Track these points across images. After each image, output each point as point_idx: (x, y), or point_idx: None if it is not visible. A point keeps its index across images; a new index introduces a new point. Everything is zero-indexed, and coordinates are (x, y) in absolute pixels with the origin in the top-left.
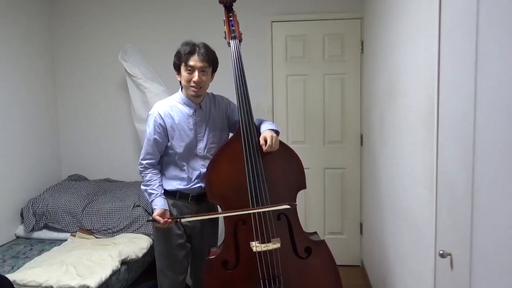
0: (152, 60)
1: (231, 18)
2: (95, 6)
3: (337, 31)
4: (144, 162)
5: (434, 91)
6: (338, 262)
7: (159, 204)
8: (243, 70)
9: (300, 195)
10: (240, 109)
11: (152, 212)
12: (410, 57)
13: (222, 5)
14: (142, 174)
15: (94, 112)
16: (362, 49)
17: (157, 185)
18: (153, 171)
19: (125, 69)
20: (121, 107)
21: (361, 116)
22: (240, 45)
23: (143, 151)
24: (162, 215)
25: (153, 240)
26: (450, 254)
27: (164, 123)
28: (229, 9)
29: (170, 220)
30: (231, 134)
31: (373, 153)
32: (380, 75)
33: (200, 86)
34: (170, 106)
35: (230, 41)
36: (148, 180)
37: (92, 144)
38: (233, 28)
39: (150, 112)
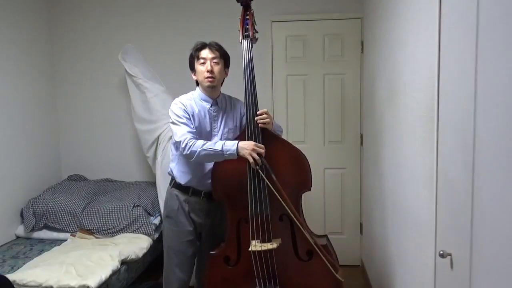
0: (152, 60)
1: (247, 17)
2: (95, 6)
3: (337, 31)
4: (186, 138)
5: (434, 91)
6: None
7: (233, 142)
8: (253, 70)
9: None
10: (247, 109)
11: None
12: (410, 57)
13: (239, 3)
14: (190, 143)
15: (94, 112)
16: (362, 49)
17: (211, 141)
18: (199, 139)
19: (125, 69)
20: (121, 107)
21: (361, 116)
22: (252, 45)
23: (178, 134)
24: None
25: (163, 236)
26: (450, 254)
27: (188, 110)
28: (246, 7)
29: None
30: None
31: (373, 153)
32: (380, 75)
33: (213, 75)
34: (189, 100)
35: (243, 40)
36: (203, 143)
37: (92, 144)
38: (247, 27)
39: (173, 103)
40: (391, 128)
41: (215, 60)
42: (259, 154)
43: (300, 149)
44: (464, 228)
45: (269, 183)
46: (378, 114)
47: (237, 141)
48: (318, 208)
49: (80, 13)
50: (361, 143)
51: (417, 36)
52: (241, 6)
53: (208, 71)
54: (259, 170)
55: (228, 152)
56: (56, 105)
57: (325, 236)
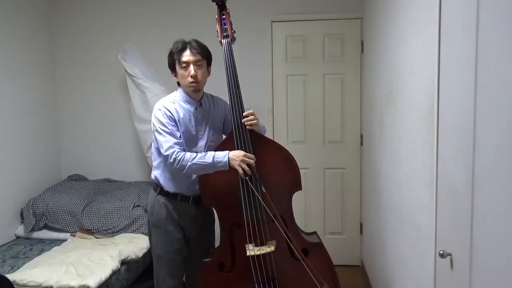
0: (152, 60)
1: (224, 17)
2: (95, 6)
3: (337, 31)
4: (174, 152)
5: (434, 91)
6: (338, 262)
7: (224, 153)
8: (235, 69)
9: (300, 195)
10: (232, 109)
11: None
12: (410, 57)
13: (214, 3)
14: (179, 157)
15: (94, 112)
16: (362, 49)
17: (200, 154)
18: (187, 151)
19: (125, 69)
20: (121, 107)
21: (361, 116)
22: (232, 44)
23: (165, 146)
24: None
25: (151, 245)
26: (450, 254)
27: (173, 116)
28: (221, 7)
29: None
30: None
31: (373, 153)
32: (380, 75)
33: (197, 80)
34: (173, 103)
35: (222, 40)
36: (193, 156)
37: (92, 144)
38: (225, 27)
39: (157, 109)
40: (391, 128)
41: (198, 63)
42: (249, 164)
43: (300, 149)
44: (464, 228)
45: (257, 195)
46: (378, 114)
47: (227, 152)
48: (318, 208)
49: (80, 13)
50: (361, 143)
51: (417, 36)
52: (216, 6)
53: (191, 76)
54: (249, 181)
55: (219, 164)
56: (56, 105)
57: (314, 233)
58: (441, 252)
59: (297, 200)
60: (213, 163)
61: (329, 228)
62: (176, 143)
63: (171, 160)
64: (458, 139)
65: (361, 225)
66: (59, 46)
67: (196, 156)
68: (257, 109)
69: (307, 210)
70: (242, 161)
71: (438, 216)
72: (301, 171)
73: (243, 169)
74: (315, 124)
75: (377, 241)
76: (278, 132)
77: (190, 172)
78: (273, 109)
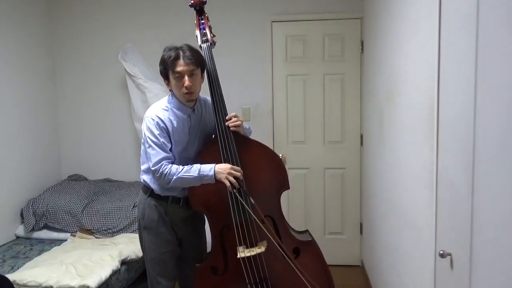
0: (152, 60)
1: (203, 22)
2: (95, 6)
3: (337, 31)
4: (161, 166)
5: (434, 91)
6: (338, 262)
7: (210, 166)
8: (216, 73)
9: (300, 195)
10: (215, 113)
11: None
12: (410, 57)
13: (192, 8)
14: (165, 172)
15: (94, 112)
16: (362, 49)
17: (186, 166)
18: (174, 164)
19: (125, 69)
20: (121, 107)
21: (361, 116)
22: (212, 48)
23: (153, 160)
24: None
25: (143, 248)
26: (450, 254)
27: (167, 127)
28: (200, 12)
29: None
30: None
31: (373, 153)
32: (380, 75)
33: (192, 90)
34: (166, 110)
35: (202, 45)
36: (178, 169)
37: (92, 144)
38: (204, 31)
39: (150, 118)
40: (391, 128)
41: (192, 73)
42: (236, 177)
43: (300, 149)
44: (464, 228)
45: (247, 208)
46: (378, 114)
47: (213, 165)
48: (318, 208)
49: (80, 13)
50: (361, 143)
51: (417, 36)
52: (194, 11)
53: (186, 87)
54: (237, 194)
55: (205, 178)
56: (56, 105)
57: (306, 231)
58: (441, 252)
59: (297, 200)
60: (199, 177)
61: (329, 228)
62: (165, 158)
63: (157, 175)
64: (458, 139)
65: (361, 225)
66: (59, 46)
67: (182, 169)
68: (257, 109)
69: (307, 210)
70: (229, 173)
71: (438, 216)
72: (301, 171)
73: (230, 182)
74: (315, 124)
75: (377, 241)
76: (278, 132)
77: (176, 185)
78: (273, 109)
